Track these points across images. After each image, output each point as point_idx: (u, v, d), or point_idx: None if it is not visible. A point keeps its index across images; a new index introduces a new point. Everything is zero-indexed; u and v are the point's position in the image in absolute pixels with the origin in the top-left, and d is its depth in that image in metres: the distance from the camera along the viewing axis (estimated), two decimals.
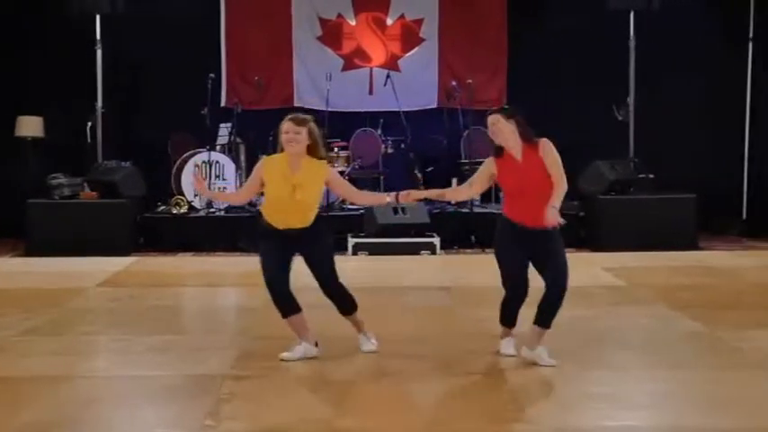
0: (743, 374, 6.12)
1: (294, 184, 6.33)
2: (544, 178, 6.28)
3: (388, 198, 6.70)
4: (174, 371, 6.24)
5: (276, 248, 6.39)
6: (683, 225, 12.14)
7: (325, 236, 6.58)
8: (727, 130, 14.02)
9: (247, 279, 10.18)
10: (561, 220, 6.27)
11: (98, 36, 12.95)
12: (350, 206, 12.94)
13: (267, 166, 6.49)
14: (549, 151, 6.27)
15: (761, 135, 13.94)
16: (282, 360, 6.38)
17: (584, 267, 10.65)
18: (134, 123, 14.00)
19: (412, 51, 14.50)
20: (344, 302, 6.65)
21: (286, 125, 6.37)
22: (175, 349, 6.81)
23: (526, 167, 6.28)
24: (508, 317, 6.53)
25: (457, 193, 6.86)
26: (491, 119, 6.28)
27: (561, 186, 6.27)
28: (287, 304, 6.42)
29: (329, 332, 7.06)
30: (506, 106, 6.53)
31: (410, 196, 6.67)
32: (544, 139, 6.31)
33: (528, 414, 5.25)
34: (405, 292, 9.41)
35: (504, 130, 6.26)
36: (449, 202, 12.65)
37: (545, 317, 6.32)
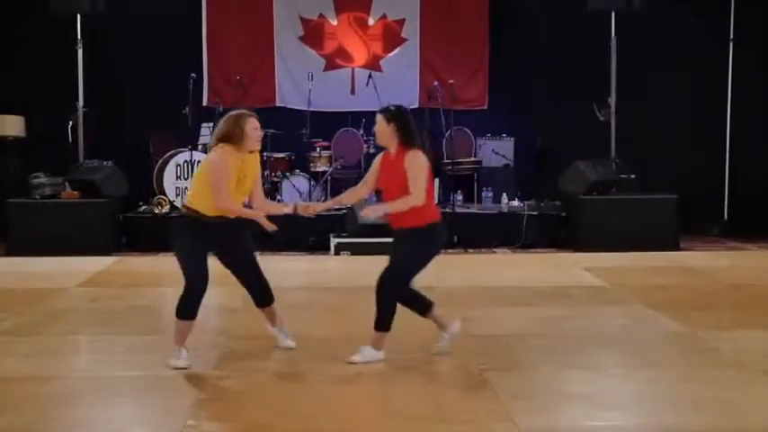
0: (721, 374, 6.16)
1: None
2: (401, 186, 6.28)
3: (286, 209, 6.70)
4: (155, 371, 6.24)
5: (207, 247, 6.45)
6: (665, 225, 12.18)
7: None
8: (708, 130, 14.07)
9: (227, 279, 10.15)
10: (373, 217, 6.46)
11: (79, 36, 12.90)
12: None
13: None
14: (411, 163, 6.26)
15: (742, 136, 14.01)
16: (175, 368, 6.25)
17: (564, 267, 10.71)
18: (116, 123, 13.93)
19: (393, 51, 14.51)
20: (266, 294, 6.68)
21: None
22: (157, 349, 6.79)
23: (392, 170, 6.34)
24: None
25: (353, 195, 6.81)
26: (376, 117, 6.39)
27: (407, 199, 6.27)
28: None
29: (310, 333, 7.08)
30: (392, 107, 6.46)
31: (309, 209, 6.70)
32: (412, 151, 6.29)
33: (507, 414, 5.26)
34: None
35: (382, 132, 6.36)
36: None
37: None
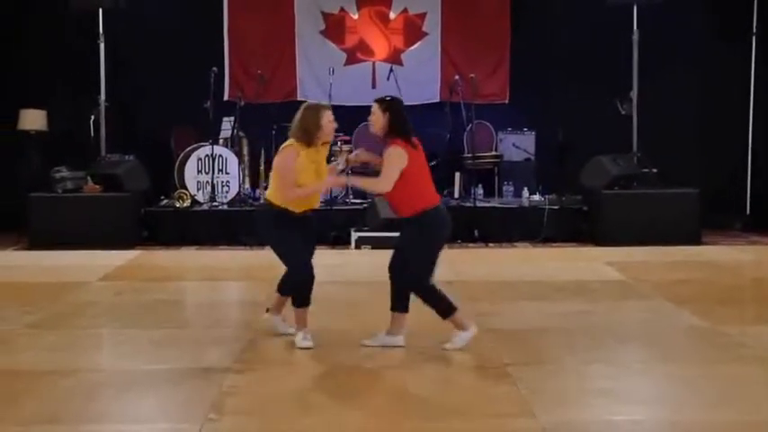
0: (743, 369, 6.13)
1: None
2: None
3: (339, 167, 6.85)
4: (176, 364, 6.27)
5: (299, 235, 6.57)
6: (687, 220, 12.12)
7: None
8: (730, 124, 14.00)
9: (250, 273, 10.22)
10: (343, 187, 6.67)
11: (101, 30, 12.94)
12: (353, 200, 12.94)
13: None
14: (387, 154, 6.46)
15: (764, 130, 13.93)
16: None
17: (585, 262, 10.67)
18: (137, 117, 14.00)
19: (415, 45, 14.49)
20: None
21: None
22: (178, 343, 6.83)
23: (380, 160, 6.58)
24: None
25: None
26: (372, 107, 6.58)
27: (372, 183, 6.68)
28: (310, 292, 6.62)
29: (331, 326, 7.09)
30: (388, 98, 6.66)
31: (359, 157, 6.92)
32: (393, 145, 6.45)
33: (528, 408, 5.25)
34: None
35: (376, 121, 6.56)
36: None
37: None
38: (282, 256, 6.60)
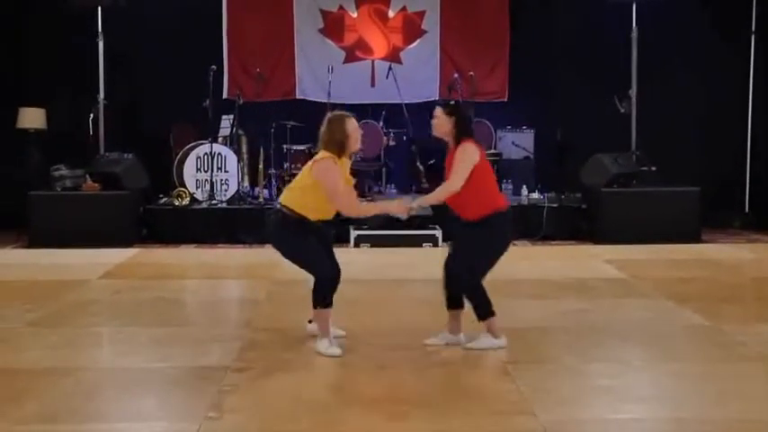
0: (744, 367, 6.13)
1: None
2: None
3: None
4: (176, 362, 6.26)
5: (319, 240, 6.56)
6: (686, 218, 12.12)
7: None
8: (729, 123, 14.01)
9: (249, 271, 10.22)
10: (405, 213, 6.84)
11: (100, 28, 12.93)
12: None
13: None
14: (459, 153, 6.47)
15: (764, 128, 13.94)
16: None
17: (585, 260, 10.67)
18: (136, 115, 13.99)
19: (414, 44, 14.48)
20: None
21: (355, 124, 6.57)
22: (178, 341, 6.82)
23: (448, 163, 6.57)
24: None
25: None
26: (435, 111, 6.59)
27: (443, 188, 6.55)
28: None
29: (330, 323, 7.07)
30: (451, 102, 6.77)
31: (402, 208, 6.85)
32: (463, 144, 6.48)
33: (528, 407, 5.25)
34: (406, 285, 9.41)
35: (441, 125, 6.56)
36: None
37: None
38: (304, 262, 6.53)
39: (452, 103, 6.76)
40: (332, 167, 6.42)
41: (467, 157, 6.42)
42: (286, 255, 6.59)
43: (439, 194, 6.58)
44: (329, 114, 6.66)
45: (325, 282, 6.46)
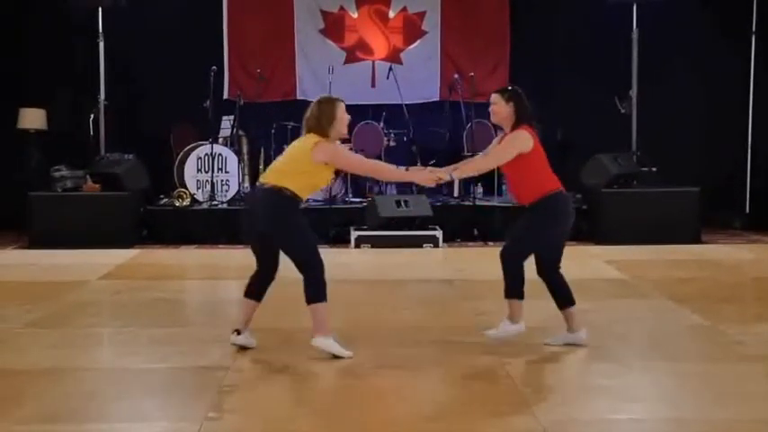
0: (744, 367, 6.12)
1: None
2: (510, 162, 6.46)
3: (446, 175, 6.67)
4: (176, 363, 6.26)
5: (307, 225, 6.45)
6: (686, 219, 12.13)
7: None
8: (730, 123, 14.01)
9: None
10: (434, 183, 6.71)
11: (100, 29, 12.94)
12: (353, 199, 12.94)
13: None
14: (509, 137, 6.49)
15: (764, 128, 13.93)
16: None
17: (585, 260, 10.65)
18: (137, 116, 13.99)
19: (414, 44, 14.49)
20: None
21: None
22: (178, 342, 6.82)
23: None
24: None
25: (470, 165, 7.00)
26: (492, 98, 6.66)
27: (477, 162, 6.71)
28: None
29: (331, 324, 7.06)
30: (510, 87, 6.75)
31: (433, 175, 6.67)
32: (518, 130, 6.50)
33: (529, 407, 5.24)
34: (407, 285, 9.41)
35: (500, 112, 6.61)
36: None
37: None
38: (300, 248, 6.28)
39: (510, 89, 6.70)
40: (336, 147, 6.36)
41: (517, 143, 6.40)
42: (281, 238, 6.30)
43: (470, 166, 6.64)
44: (319, 97, 6.57)
45: (321, 271, 6.27)
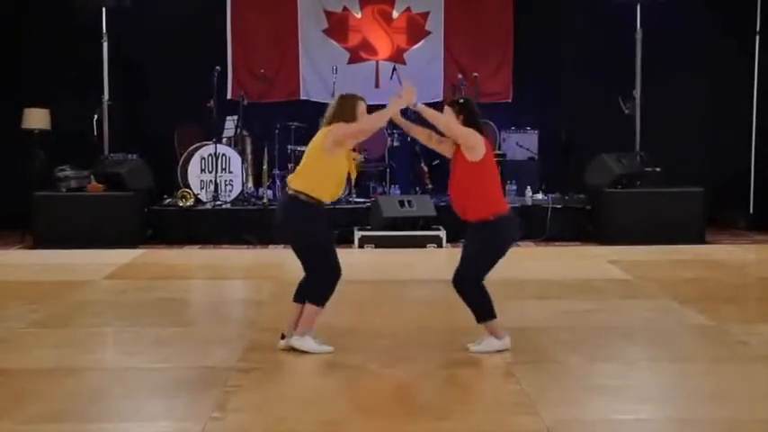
0: (749, 367, 6.12)
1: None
2: (464, 168, 6.43)
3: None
4: (181, 363, 6.27)
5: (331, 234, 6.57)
6: (691, 219, 12.11)
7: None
8: (734, 123, 14.00)
9: (254, 272, 10.23)
10: (408, 101, 6.56)
11: (104, 29, 12.95)
12: (357, 199, 12.94)
13: None
14: (467, 131, 6.39)
15: None
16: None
17: (589, 260, 10.67)
18: (140, 116, 14.00)
19: (418, 44, 14.48)
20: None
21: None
22: (182, 341, 6.83)
23: (454, 164, 6.54)
24: None
25: (423, 132, 6.90)
26: (444, 109, 6.53)
27: (440, 116, 6.47)
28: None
29: (334, 325, 7.08)
30: (460, 100, 6.66)
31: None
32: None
33: (533, 407, 5.25)
34: (410, 286, 9.42)
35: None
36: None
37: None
38: (318, 256, 6.36)
39: (461, 101, 6.62)
40: (341, 125, 6.36)
41: (468, 132, 6.34)
42: (300, 245, 6.37)
43: (437, 117, 6.44)
44: (340, 94, 6.64)
45: (334, 281, 6.38)
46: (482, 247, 6.37)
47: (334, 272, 6.40)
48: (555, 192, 13.02)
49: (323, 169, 6.33)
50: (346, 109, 6.42)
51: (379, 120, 6.60)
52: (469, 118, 6.43)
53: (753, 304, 8.62)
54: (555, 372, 6.05)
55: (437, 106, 6.81)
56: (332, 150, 6.31)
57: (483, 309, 6.43)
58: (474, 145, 6.34)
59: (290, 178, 6.54)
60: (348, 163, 6.47)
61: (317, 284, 6.38)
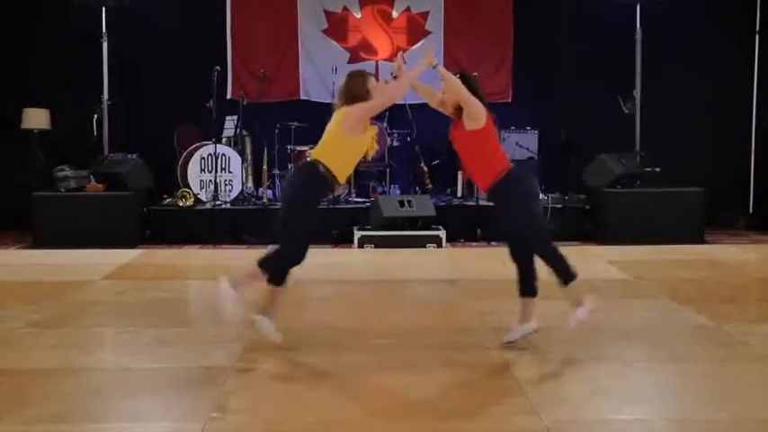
0: (748, 367, 6.12)
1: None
2: (468, 140, 6.51)
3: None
4: (180, 363, 6.26)
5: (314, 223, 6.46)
6: (690, 219, 12.11)
7: None
8: (733, 123, 14.00)
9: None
10: (430, 61, 6.66)
11: (104, 29, 12.95)
12: (356, 199, 12.94)
13: None
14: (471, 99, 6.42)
15: None
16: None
17: (589, 260, 10.64)
18: (140, 116, 14.01)
19: (418, 44, 14.49)
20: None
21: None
22: (182, 342, 6.82)
23: (455, 137, 6.63)
24: None
25: (427, 89, 6.91)
26: (442, 85, 6.60)
27: (454, 79, 6.49)
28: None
29: (334, 325, 7.08)
30: (457, 73, 6.63)
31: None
32: None
33: (532, 407, 5.24)
34: (410, 285, 9.41)
35: (448, 99, 6.60)
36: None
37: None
38: (294, 222, 6.33)
39: (459, 74, 6.62)
40: (359, 105, 6.37)
41: (477, 102, 6.37)
42: (291, 206, 6.40)
43: (454, 80, 6.44)
44: (349, 71, 6.66)
45: (288, 261, 6.37)
46: (517, 207, 6.37)
47: (294, 256, 6.34)
48: (554, 192, 13.03)
49: (343, 149, 6.40)
50: (357, 86, 6.46)
51: (400, 88, 6.63)
52: (471, 90, 6.46)
53: (752, 304, 8.62)
54: (554, 372, 6.05)
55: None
56: (352, 131, 6.37)
57: (565, 265, 6.41)
58: (477, 113, 6.40)
59: (314, 151, 6.52)
60: (367, 140, 6.51)
61: (271, 257, 6.37)
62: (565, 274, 6.40)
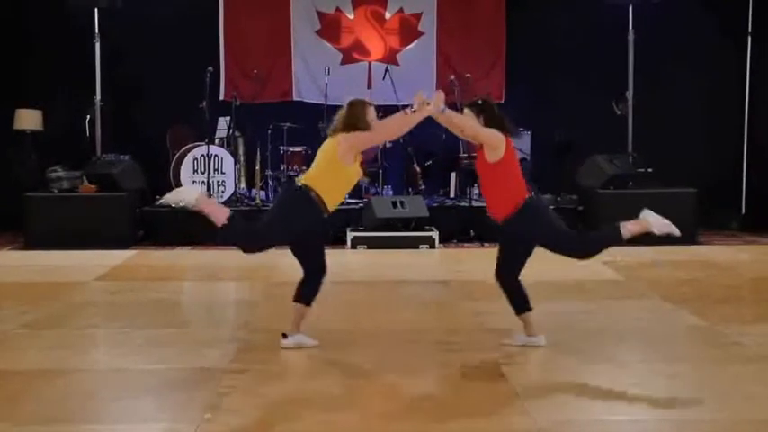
0: (743, 368, 6.12)
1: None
2: (488, 171, 6.45)
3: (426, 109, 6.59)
4: (173, 364, 6.25)
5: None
6: (683, 220, 11.97)
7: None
8: (726, 124, 14.02)
9: (247, 273, 10.20)
10: (436, 110, 6.52)
11: (96, 29, 12.93)
12: (350, 200, 12.93)
13: None
14: (490, 131, 6.39)
15: (760, 129, 13.94)
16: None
17: (583, 261, 10.64)
18: (133, 117, 13.97)
19: (410, 45, 14.49)
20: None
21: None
22: (175, 342, 6.81)
23: (479, 167, 6.57)
24: None
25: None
26: (464, 111, 6.55)
27: (464, 119, 6.48)
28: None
29: (327, 326, 7.08)
30: (479, 101, 6.60)
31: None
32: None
33: (526, 408, 5.24)
34: (403, 286, 9.41)
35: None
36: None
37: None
38: (316, 250, 6.55)
39: (480, 102, 6.57)
40: (356, 134, 6.37)
41: (491, 132, 6.34)
42: (274, 221, 6.44)
43: (462, 121, 6.45)
44: (350, 99, 6.60)
45: (323, 280, 6.53)
46: (543, 221, 6.44)
47: (325, 272, 6.53)
48: (547, 192, 13.03)
49: (335, 177, 6.38)
50: (357, 116, 6.42)
51: (400, 129, 6.73)
52: (490, 117, 6.43)
53: (746, 304, 8.63)
54: (548, 373, 6.05)
55: None
56: (345, 158, 6.36)
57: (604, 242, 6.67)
58: (497, 145, 6.36)
59: (302, 177, 6.51)
60: (358, 170, 6.52)
61: (314, 286, 6.54)
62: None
